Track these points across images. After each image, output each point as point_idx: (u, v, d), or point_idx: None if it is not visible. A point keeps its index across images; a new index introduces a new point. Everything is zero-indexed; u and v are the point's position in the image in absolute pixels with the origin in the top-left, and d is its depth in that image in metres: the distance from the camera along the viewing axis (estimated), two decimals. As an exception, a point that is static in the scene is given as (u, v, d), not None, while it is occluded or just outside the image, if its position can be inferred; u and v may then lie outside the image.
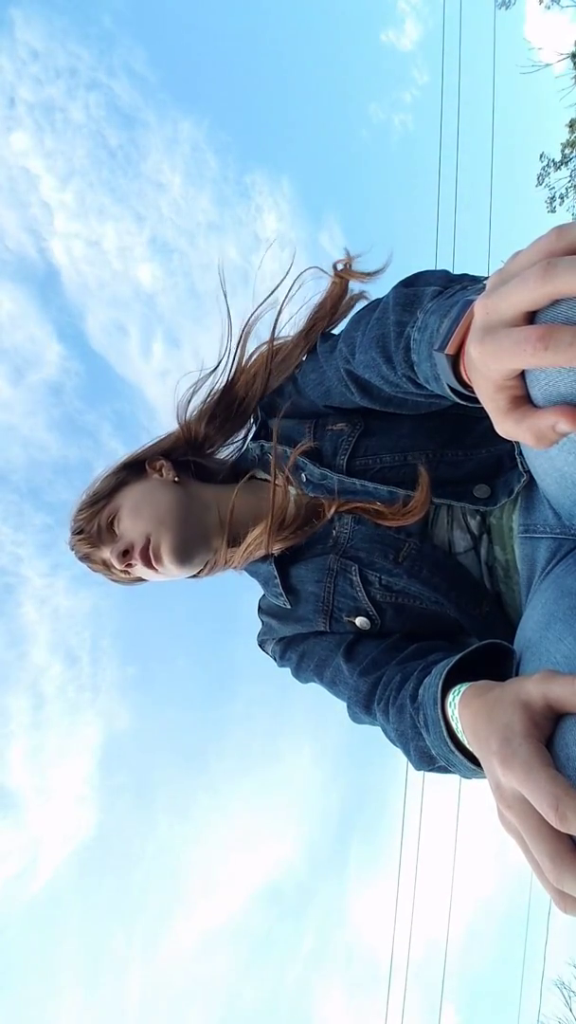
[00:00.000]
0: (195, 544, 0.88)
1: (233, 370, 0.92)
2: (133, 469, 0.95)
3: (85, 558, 0.94)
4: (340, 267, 0.89)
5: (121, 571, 0.91)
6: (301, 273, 0.90)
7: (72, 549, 0.94)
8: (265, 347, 0.91)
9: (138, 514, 0.88)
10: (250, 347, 0.92)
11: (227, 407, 0.94)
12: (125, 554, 0.87)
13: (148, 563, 0.86)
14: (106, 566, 0.93)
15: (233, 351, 0.91)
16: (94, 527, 0.91)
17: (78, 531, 0.93)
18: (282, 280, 0.89)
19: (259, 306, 0.90)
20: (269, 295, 0.90)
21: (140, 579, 0.98)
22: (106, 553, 0.91)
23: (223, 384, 0.92)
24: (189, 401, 0.93)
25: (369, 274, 0.88)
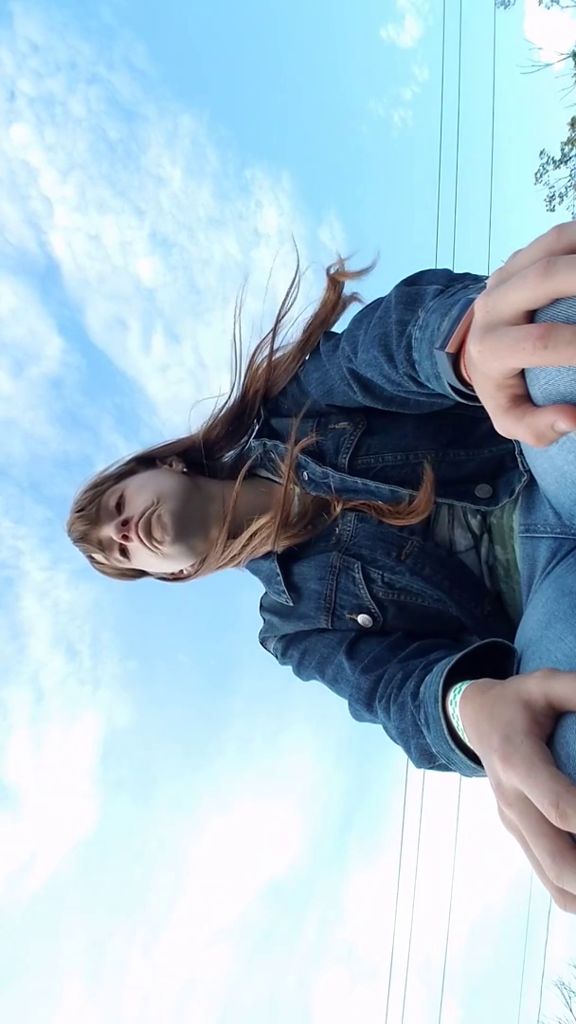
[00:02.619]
0: (193, 525, 0.88)
1: (242, 387, 0.94)
2: (143, 462, 0.97)
3: (82, 538, 0.93)
4: (332, 271, 0.89)
5: (118, 545, 0.90)
6: (288, 263, 0.90)
7: (69, 530, 0.93)
8: (266, 359, 0.93)
9: (142, 492, 0.89)
10: (255, 359, 0.94)
11: (236, 417, 0.96)
12: (124, 524, 0.86)
13: (144, 534, 0.86)
14: (101, 546, 0.92)
15: (243, 372, 0.93)
16: (95, 506, 0.91)
17: (78, 509, 0.92)
18: (285, 301, 0.91)
19: (265, 337, 0.92)
20: (275, 325, 0.92)
21: (130, 572, 0.98)
22: (105, 531, 0.90)
23: (235, 399, 0.95)
24: (210, 418, 0.95)
25: (360, 272, 0.88)
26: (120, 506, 0.90)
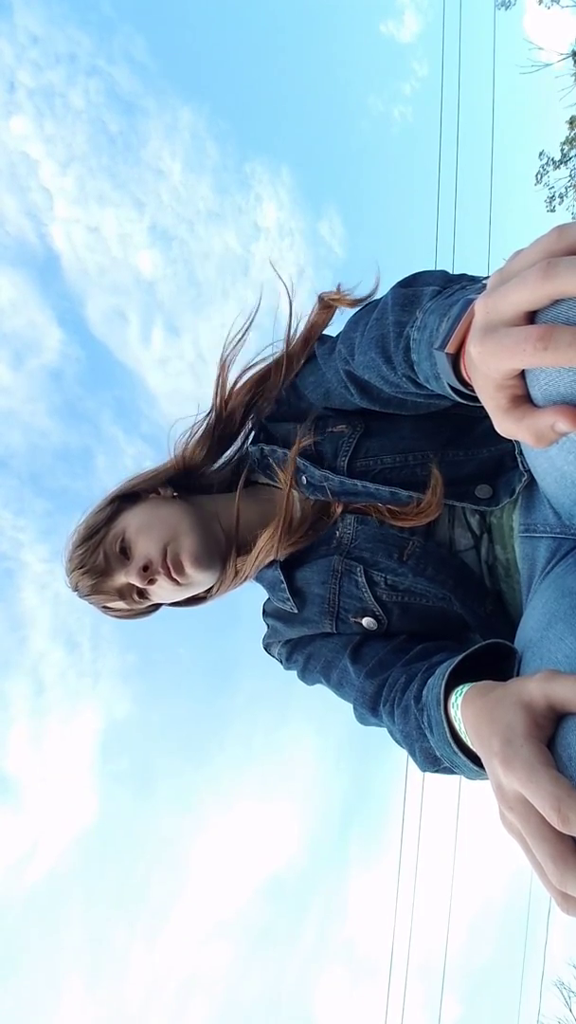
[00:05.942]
0: (213, 550, 0.87)
1: (220, 401, 0.91)
2: (126, 499, 0.92)
3: (93, 591, 0.89)
4: (327, 298, 0.88)
5: (139, 591, 0.88)
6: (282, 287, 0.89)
7: (76, 588, 0.90)
8: (251, 373, 0.91)
9: (149, 530, 0.85)
10: (235, 372, 0.91)
11: (219, 433, 0.93)
12: (146, 569, 0.83)
13: (170, 573, 0.83)
14: (121, 594, 0.89)
15: (215, 385, 0.90)
16: (98, 557, 0.87)
17: (80, 566, 0.87)
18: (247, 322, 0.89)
19: (237, 340, 0.90)
20: (245, 327, 0.89)
21: (150, 609, 0.96)
22: (119, 579, 0.87)
23: (213, 416, 0.92)
24: (187, 441, 0.92)
25: (357, 300, 0.85)
26: (126, 550, 0.87)
